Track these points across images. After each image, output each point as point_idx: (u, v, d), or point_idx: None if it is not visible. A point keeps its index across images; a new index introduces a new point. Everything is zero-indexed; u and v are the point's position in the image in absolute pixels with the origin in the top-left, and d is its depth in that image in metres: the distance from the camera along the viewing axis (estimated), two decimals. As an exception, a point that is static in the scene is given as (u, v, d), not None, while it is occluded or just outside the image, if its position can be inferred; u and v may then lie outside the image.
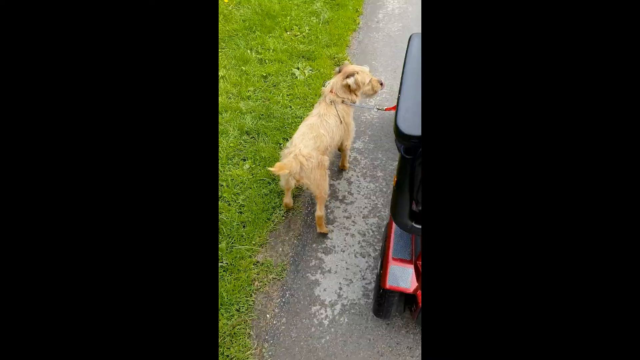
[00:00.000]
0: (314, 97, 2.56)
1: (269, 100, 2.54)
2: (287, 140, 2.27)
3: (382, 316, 1.48)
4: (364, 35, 3.24)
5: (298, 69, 2.83)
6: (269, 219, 1.94)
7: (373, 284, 1.65)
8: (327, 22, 3.40)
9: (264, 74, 2.75)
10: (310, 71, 2.81)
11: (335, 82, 1.75)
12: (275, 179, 2.06)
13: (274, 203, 2.00)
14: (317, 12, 3.54)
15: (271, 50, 3.01)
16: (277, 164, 1.57)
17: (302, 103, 2.52)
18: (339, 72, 1.79)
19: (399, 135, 0.91)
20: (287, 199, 1.92)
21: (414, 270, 1.17)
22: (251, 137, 2.29)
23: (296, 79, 2.74)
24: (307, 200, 2.05)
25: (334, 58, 2.93)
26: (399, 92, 0.99)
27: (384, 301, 1.32)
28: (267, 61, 2.90)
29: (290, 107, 2.49)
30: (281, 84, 2.68)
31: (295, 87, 2.65)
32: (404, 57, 1.11)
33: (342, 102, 1.74)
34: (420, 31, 1.13)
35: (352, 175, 2.17)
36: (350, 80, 1.69)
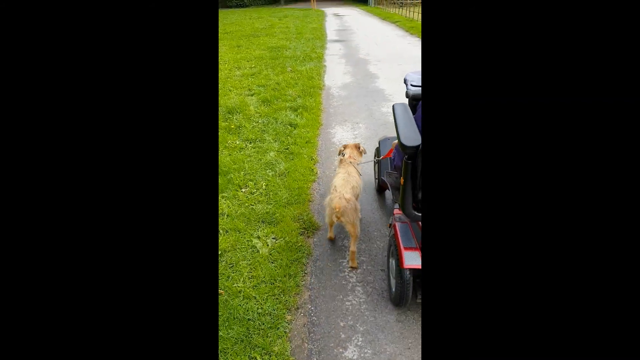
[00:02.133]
0: (283, 278, 2.05)
1: (226, 291, 1.97)
2: (260, 357, 1.64)
3: (403, 303, 1.75)
4: (325, 187, 2.98)
5: (259, 238, 2.37)
6: None
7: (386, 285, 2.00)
8: (284, 174, 3.14)
9: (219, 252, 2.23)
10: (274, 240, 2.36)
11: (351, 152, 2.41)
12: None
13: None
14: (271, 163, 3.31)
15: (225, 216, 2.56)
16: (334, 205, 1.97)
17: (269, 290, 1.98)
18: (345, 147, 2.46)
19: (404, 147, 1.38)
20: (331, 234, 2.33)
21: (419, 253, 1.57)
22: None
23: (258, 253, 2.24)
24: None
25: (299, 219, 2.55)
26: (397, 130, 1.45)
27: (403, 286, 1.66)
28: (221, 232, 2.41)
29: (255, 297, 1.93)
30: (240, 264, 2.15)
31: (258, 265, 2.14)
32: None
33: (357, 163, 2.39)
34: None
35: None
36: (361, 145, 2.55)
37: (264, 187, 2.95)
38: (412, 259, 1.56)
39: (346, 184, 2.07)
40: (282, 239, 2.36)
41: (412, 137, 1.38)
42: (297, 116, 4.42)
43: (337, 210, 1.94)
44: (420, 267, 1.56)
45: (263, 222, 2.52)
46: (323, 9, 22.03)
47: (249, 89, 5.58)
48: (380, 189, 2.70)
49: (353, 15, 18.48)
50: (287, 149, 3.62)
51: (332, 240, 2.32)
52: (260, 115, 4.47)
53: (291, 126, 4.14)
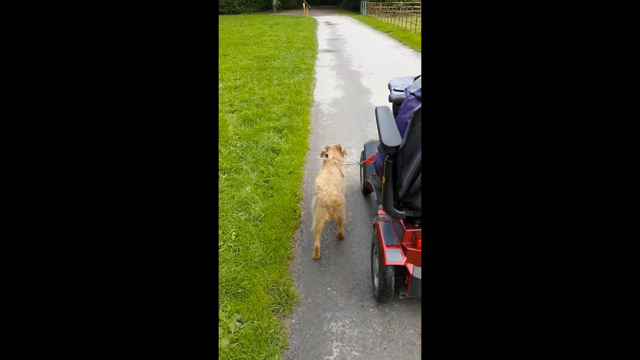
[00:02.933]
0: (246, 391, 1.46)
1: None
2: None
3: (385, 298, 1.74)
4: (308, 237, 2.41)
5: (219, 320, 1.77)
6: None
7: (371, 288, 1.96)
8: (260, 218, 2.56)
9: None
10: (238, 324, 1.77)
11: (334, 153, 2.39)
12: None
13: None
14: (246, 202, 2.72)
15: (178, 284, 1.97)
16: (334, 199, 1.98)
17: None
18: (327, 149, 2.43)
19: (385, 147, 1.39)
20: (317, 243, 2.16)
21: (401, 250, 1.58)
22: None
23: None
24: None
25: (274, 289, 1.97)
26: (379, 131, 1.48)
27: (385, 283, 1.65)
28: (169, 309, 1.82)
29: None
30: (189, 366, 1.56)
31: (212, 369, 1.54)
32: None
33: (340, 163, 2.39)
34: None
35: None
36: (343, 148, 2.50)
37: (233, 237, 2.36)
38: (394, 256, 1.57)
39: (329, 183, 2.08)
40: (249, 321, 1.76)
41: (393, 138, 1.40)
42: (281, 139, 3.86)
43: (337, 204, 1.98)
44: (402, 264, 1.57)
45: (227, 293, 1.93)
46: (315, 17, 21.64)
47: (231, 105, 5.00)
48: (366, 191, 2.75)
49: (345, 24, 18.08)
50: (266, 181, 3.04)
51: (316, 259, 2.20)
52: (239, 138, 3.89)
53: (273, 152, 3.57)
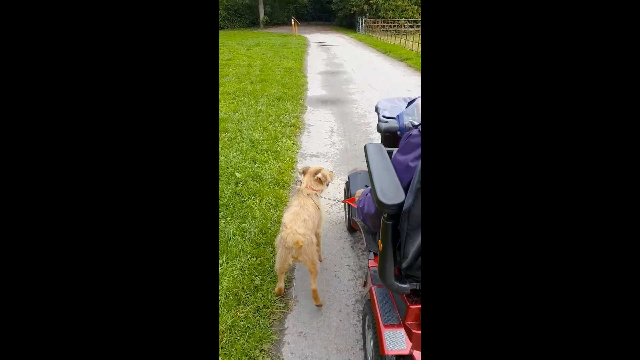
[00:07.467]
0: None
1: None
2: None
3: None
4: None
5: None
6: None
7: None
8: None
9: None
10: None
11: (308, 180, 1.84)
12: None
13: None
14: None
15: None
16: (295, 240, 1.52)
17: None
18: (304, 172, 1.88)
19: (382, 205, 0.97)
20: (281, 284, 1.72)
21: (404, 332, 1.12)
22: None
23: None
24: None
25: None
26: (371, 180, 1.06)
27: None
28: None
29: None
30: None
31: None
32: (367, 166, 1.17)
33: (315, 194, 1.82)
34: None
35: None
36: (320, 175, 1.83)
37: None
38: (396, 342, 1.08)
39: (297, 218, 1.63)
40: None
41: (392, 191, 0.97)
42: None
43: (299, 246, 1.53)
44: (406, 352, 1.08)
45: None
46: (306, 35, 17.49)
47: None
48: (352, 229, 2.14)
49: (343, 45, 13.91)
50: None
51: (280, 295, 1.74)
52: None
53: None
